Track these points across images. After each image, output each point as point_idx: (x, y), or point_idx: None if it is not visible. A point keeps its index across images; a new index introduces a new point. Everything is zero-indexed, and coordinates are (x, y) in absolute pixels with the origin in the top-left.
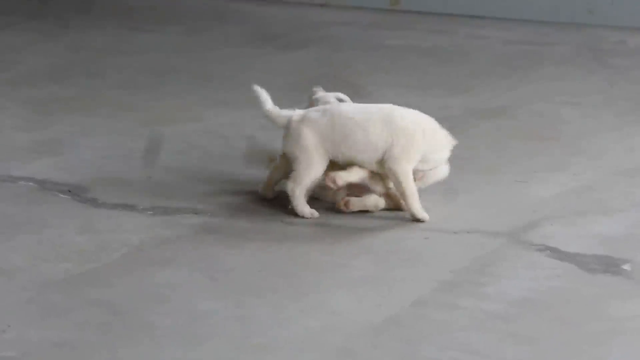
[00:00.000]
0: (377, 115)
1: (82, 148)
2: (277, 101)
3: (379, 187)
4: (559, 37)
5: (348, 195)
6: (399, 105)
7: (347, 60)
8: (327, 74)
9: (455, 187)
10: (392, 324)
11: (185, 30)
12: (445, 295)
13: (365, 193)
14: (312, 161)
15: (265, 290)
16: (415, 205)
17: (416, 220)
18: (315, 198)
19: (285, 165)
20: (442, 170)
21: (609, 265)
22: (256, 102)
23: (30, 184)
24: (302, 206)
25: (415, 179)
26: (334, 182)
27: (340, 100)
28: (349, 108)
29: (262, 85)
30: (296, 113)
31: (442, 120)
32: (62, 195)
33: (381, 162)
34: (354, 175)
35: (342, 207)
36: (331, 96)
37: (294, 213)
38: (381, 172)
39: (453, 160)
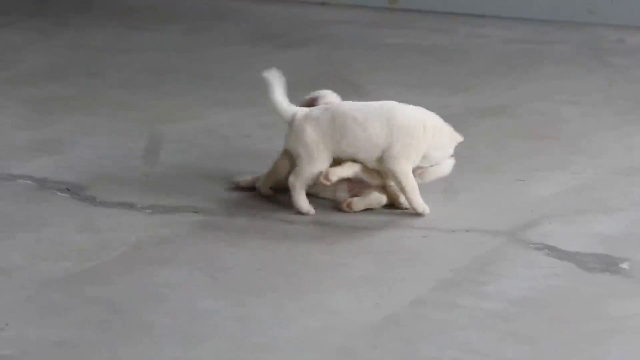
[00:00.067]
0: (377, 112)
1: (81, 147)
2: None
3: (375, 181)
4: (558, 36)
5: (349, 190)
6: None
7: (347, 59)
8: (327, 72)
9: (454, 185)
10: (392, 323)
11: (185, 30)
12: (444, 295)
13: (366, 189)
14: (313, 158)
15: (265, 289)
16: (416, 199)
17: (417, 214)
18: (315, 196)
19: (287, 162)
20: (445, 167)
21: (608, 264)
22: (266, 90)
23: (30, 182)
24: (302, 201)
25: (415, 175)
26: (327, 178)
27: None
28: (350, 106)
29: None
30: (301, 110)
31: (443, 119)
32: (61, 194)
33: (381, 160)
34: (347, 170)
35: (346, 209)
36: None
37: (293, 209)
38: (381, 170)
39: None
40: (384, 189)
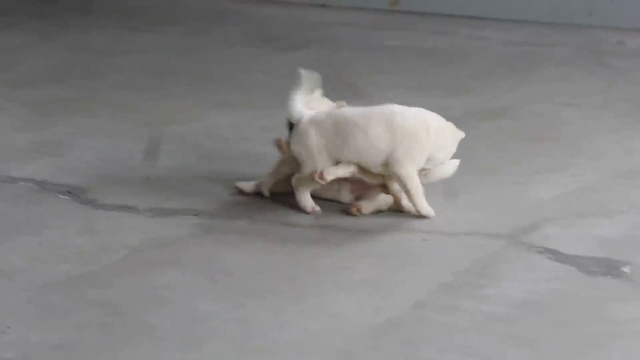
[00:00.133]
0: (378, 118)
1: (82, 149)
2: (277, 103)
3: (375, 180)
4: (558, 38)
5: (352, 192)
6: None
7: (347, 61)
8: (327, 75)
9: (455, 188)
10: (392, 326)
11: (185, 31)
12: (445, 298)
13: (368, 190)
14: (316, 162)
15: (266, 292)
16: (421, 202)
17: (422, 216)
18: (318, 197)
19: (288, 165)
20: (448, 168)
21: (609, 268)
22: (298, 85)
23: (30, 184)
24: (305, 201)
25: (419, 176)
26: (322, 177)
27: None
28: (352, 112)
29: (262, 87)
30: (307, 113)
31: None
32: (62, 196)
33: (385, 165)
34: (343, 170)
35: (355, 213)
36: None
37: (294, 211)
38: (386, 174)
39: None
40: (384, 187)
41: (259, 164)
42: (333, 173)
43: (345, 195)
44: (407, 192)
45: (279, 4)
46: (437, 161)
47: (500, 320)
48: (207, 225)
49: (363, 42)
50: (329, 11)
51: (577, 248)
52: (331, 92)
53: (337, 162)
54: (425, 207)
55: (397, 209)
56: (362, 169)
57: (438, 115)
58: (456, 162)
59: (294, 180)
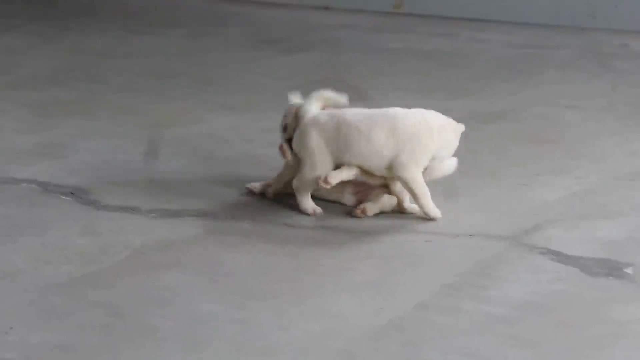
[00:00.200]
0: (380, 123)
1: (84, 151)
2: (278, 105)
3: (377, 181)
4: (561, 41)
5: (355, 193)
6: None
7: (349, 63)
8: (329, 77)
9: (457, 190)
10: (394, 328)
11: (187, 34)
12: (447, 299)
13: (371, 191)
14: (316, 162)
15: (267, 293)
16: (428, 204)
17: (429, 218)
18: (320, 199)
19: (293, 168)
20: (449, 165)
21: (611, 269)
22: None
23: (33, 186)
24: (306, 203)
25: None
26: (326, 182)
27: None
28: (355, 116)
29: (264, 89)
30: (311, 113)
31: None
32: (64, 198)
33: (389, 168)
34: (347, 173)
35: (360, 215)
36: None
37: (296, 213)
38: (391, 177)
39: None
40: (387, 188)
41: (261, 165)
42: (337, 177)
43: (348, 198)
44: (414, 195)
45: (281, 7)
46: (442, 158)
47: (502, 322)
48: (209, 226)
49: (365, 44)
50: (331, 13)
51: (580, 249)
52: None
53: (339, 164)
54: (432, 209)
55: (399, 210)
56: (365, 170)
57: (438, 113)
58: (454, 160)
59: (294, 183)
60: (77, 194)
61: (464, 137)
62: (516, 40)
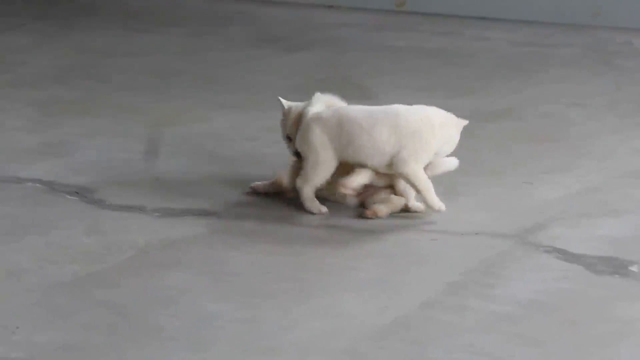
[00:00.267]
0: (383, 120)
1: (88, 150)
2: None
3: (383, 182)
4: (564, 39)
5: (358, 195)
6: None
7: (352, 61)
8: (333, 75)
9: (461, 189)
10: (400, 326)
11: (189, 32)
12: (453, 297)
13: (374, 192)
14: (319, 160)
15: (273, 292)
16: (431, 197)
17: (434, 211)
18: (323, 198)
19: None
20: (451, 161)
21: (616, 267)
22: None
23: (37, 185)
24: (310, 202)
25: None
26: (346, 186)
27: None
28: (357, 112)
29: (267, 88)
30: (314, 110)
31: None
32: (69, 197)
33: (390, 165)
34: (364, 176)
35: (372, 217)
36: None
37: (301, 212)
38: (392, 174)
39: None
40: (391, 188)
41: (264, 164)
42: (357, 181)
43: (350, 198)
44: (417, 190)
45: (284, 5)
46: (444, 154)
47: (507, 320)
48: (213, 225)
49: (367, 42)
50: (334, 12)
51: (585, 247)
52: (337, 93)
53: (341, 161)
54: (436, 202)
55: (405, 209)
56: (377, 172)
57: (439, 109)
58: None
59: (298, 182)
60: (81, 193)
61: (466, 135)
62: (519, 38)
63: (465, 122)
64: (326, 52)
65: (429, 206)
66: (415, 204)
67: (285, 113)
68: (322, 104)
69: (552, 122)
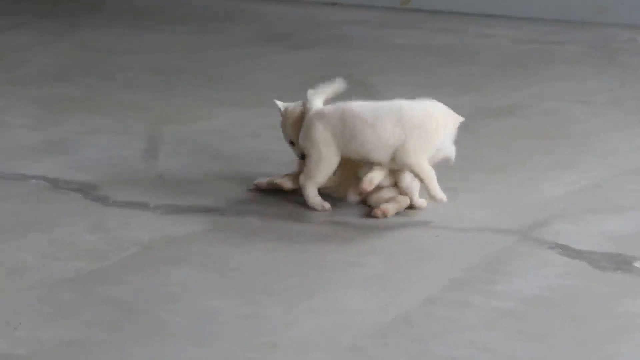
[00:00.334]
0: (387, 114)
1: (92, 147)
2: (286, 101)
3: (387, 180)
4: (569, 36)
5: (359, 193)
6: None
7: (356, 59)
8: (337, 73)
9: (464, 185)
10: (402, 323)
11: (194, 30)
12: (456, 294)
13: (377, 190)
14: (322, 156)
15: (276, 288)
16: (434, 187)
17: (437, 201)
18: (324, 194)
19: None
20: (449, 149)
21: (619, 263)
22: (328, 87)
23: (41, 182)
24: (313, 199)
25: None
26: (372, 183)
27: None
28: (360, 107)
29: (271, 85)
30: (316, 106)
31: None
32: (72, 194)
33: (394, 159)
34: (382, 173)
35: (381, 216)
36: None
37: (304, 208)
38: (394, 168)
39: (463, 159)
40: (394, 186)
41: (267, 161)
42: (377, 178)
43: (352, 196)
44: (420, 180)
45: (287, 3)
46: (444, 148)
47: (510, 316)
48: (217, 222)
49: (372, 40)
50: (338, 9)
51: (588, 244)
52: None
53: (344, 156)
54: (439, 192)
55: (409, 206)
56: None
57: (439, 103)
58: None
59: (301, 178)
60: (85, 190)
61: (470, 132)
62: (523, 35)
63: (461, 119)
64: (330, 50)
65: (431, 196)
66: (419, 200)
67: (283, 114)
68: (321, 98)
69: (555, 119)
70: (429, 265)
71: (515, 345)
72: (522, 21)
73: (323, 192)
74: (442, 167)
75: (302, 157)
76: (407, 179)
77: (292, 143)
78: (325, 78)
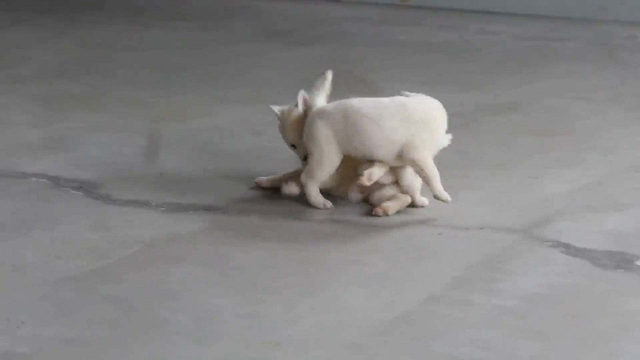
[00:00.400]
0: (391, 110)
1: (93, 144)
2: (286, 98)
3: (388, 179)
4: (570, 33)
5: (361, 192)
6: None
7: (358, 56)
8: (338, 70)
9: (466, 183)
10: (404, 321)
11: (196, 27)
12: (457, 292)
13: (377, 188)
14: (323, 154)
15: (277, 286)
16: (438, 186)
17: (440, 201)
18: (325, 192)
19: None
20: (444, 140)
21: (621, 261)
22: (321, 83)
23: (42, 180)
24: (315, 197)
25: None
26: (370, 179)
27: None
28: (362, 103)
29: (272, 83)
30: (318, 104)
31: (454, 116)
32: (74, 192)
33: (399, 156)
34: (382, 169)
35: (382, 214)
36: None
37: (306, 206)
38: (398, 165)
39: (463, 156)
40: (396, 184)
41: (269, 159)
42: (377, 173)
43: (354, 194)
44: (425, 178)
45: (290, 0)
46: (442, 143)
47: (512, 314)
48: (219, 220)
49: (373, 37)
50: (340, 6)
51: (590, 241)
52: (343, 87)
53: (346, 154)
54: (443, 192)
55: (410, 204)
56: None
57: (434, 99)
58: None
59: (302, 177)
60: (86, 188)
61: (471, 129)
62: (524, 32)
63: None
64: (330, 47)
65: (434, 195)
66: (420, 198)
67: (280, 118)
68: (324, 96)
69: (557, 116)
70: (430, 264)
71: (516, 343)
72: (523, 18)
73: (324, 191)
74: (442, 165)
75: (305, 158)
76: (409, 177)
77: (293, 146)
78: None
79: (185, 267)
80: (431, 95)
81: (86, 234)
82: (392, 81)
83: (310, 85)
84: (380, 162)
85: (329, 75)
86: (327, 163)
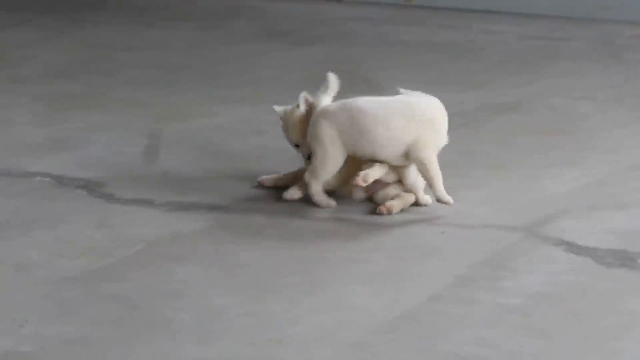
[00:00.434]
0: (397, 110)
1: (96, 144)
2: (289, 98)
3: (391, 178)
4: (572, 32)
5: (366, 191)
6: None
7: (361, 56)
8: (341, 70)
9: (469, 182)
10: (408, 319)
11: (198, 27)
12: (461, 290)
13: (381, 187)
14: (327, 154)
15: (281, 285)
16: (441, 188)
17: (442, 203)
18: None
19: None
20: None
21: (624, 260)
22: (325, 84)
23: (46, 179)
24: (319, 196)
25: None
26: (365, 180)
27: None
28: (367, 103)
29: (273, 82)
30: (323, 104)
31: (457, 116)
32: (77, 191)
33: (405, 155)
34: (380, 170)
35: (386, 213)
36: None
37: (309, 205)
38: (403, 165)
39: (466, 155)
40: (400, 184)
41: (272, 158)
42: (374, 175)
43: (358, 193)
44: (428, 177)
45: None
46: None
47: (515, 313)
48: (221, 219)
49: (376, 37)
50: (343, 6)
51: (593, 240)
52: (347, 87)
53: (351, 154)
54: (445, 194)
55: (414, 203)
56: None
57: (433, 97)
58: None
59: (306, 176)
60: (90, 187)
61: (475, 129)
62: (527, 32)
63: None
64: (333, 46)
65: (436, 197)
66: (424, 197)
67: (283, 118)
68: (330, 96)
69: (560, 116)
70: (433, 262)
71: (520, 342)
72: (526, 17)
73: (328, 190)
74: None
75: (309, 157)
76: (412, 176)
77: (297, 146)
78: (326, 76)
79: (188, 265)
80: (434, 95)
81: (89, 233)
82: (395, 81)
83: (311, 85)
84: (384, 162)
85: (332, 76)
86: (330, 163)
